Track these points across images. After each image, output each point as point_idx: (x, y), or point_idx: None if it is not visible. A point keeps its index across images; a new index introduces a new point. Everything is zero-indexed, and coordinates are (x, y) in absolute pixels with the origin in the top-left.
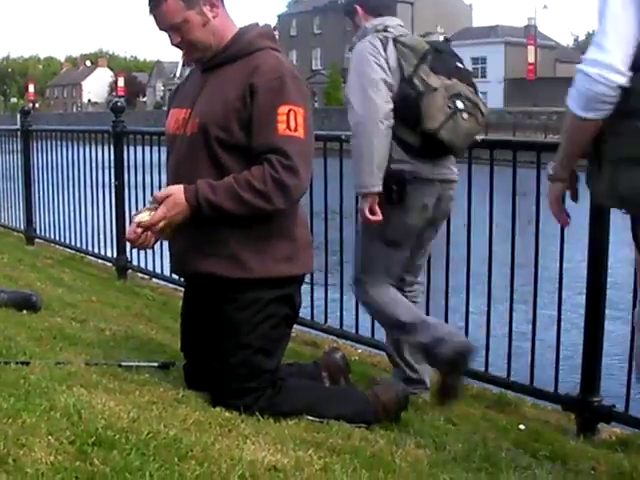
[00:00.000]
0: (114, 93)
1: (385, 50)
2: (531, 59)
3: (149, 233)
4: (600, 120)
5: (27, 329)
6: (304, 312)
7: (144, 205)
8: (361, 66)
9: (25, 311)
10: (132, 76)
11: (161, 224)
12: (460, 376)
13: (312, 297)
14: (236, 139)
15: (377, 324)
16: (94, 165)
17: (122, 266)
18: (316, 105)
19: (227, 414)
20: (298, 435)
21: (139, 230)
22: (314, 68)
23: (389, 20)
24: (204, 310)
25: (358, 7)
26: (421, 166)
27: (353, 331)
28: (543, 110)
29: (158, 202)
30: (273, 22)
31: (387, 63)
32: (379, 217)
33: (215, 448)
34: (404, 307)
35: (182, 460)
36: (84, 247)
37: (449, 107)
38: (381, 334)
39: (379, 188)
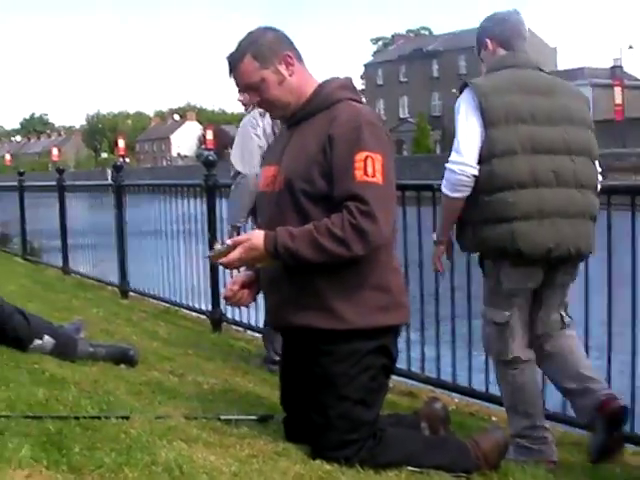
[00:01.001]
0: (203, 146)
1: None
2: (618, 100)
3: (245, 291)
4: (463, 198)
5: (125, 383)
6: (401, 362)
7: None
8: None
9: (123, 365)
10: (220, 129)
11: (235, 264)
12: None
13: (408, 347)
14: (320, 190)
15: (475, 372)
16: (186, 218)
17: (217, 319)
18: (405, 153)
19: (327, 467)
20: None
21: (235, 288)
22: (401, 116)
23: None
24: (301, 363)
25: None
26: None
27: (450, 380)
28: (632, 152)
29: (234, 245)
30: (360, 72)
31: None
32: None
33: None
34: None
35: None
36: (178, 300)
37: None
38: (478, 382)
39: None
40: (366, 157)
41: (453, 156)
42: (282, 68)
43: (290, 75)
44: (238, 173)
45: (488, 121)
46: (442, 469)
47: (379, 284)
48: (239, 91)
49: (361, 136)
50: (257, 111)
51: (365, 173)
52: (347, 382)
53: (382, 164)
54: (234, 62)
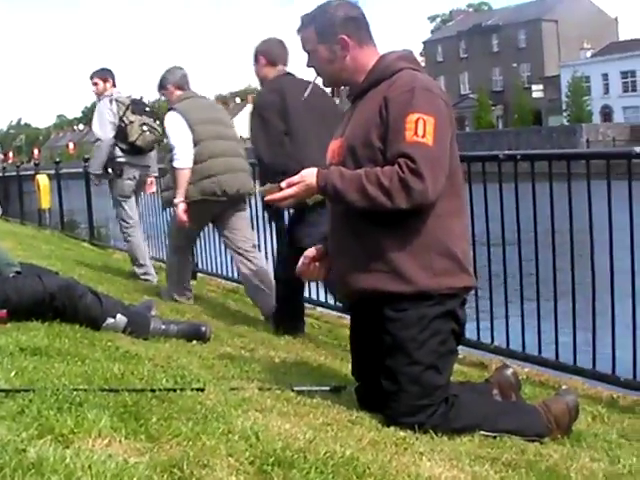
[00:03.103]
0: None
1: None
2: None
3: (317, 265)
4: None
5: (198, 358)
6: (470, 332)
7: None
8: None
9: (195, 342)
10: None
11: (290, 200)
12: None
13: (477, 317)
14: (379, 151)
15: (544, 342)
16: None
17: None
18: (467, 129)
19: (401, 433)
20: (472, 451)
21: (307, 262)
22: (462, 93)
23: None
24: (371, 331)
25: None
26: (130, 158)
27: (520, 350)
28: None
29: (288, 185)
30: (419, 49)
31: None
32: None
33: (392, 466)
34: None
35: (360, 478)
36: None
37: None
38: (549, 352)
39: None
40: (417, 119)
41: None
42: (337, 48)
43: (344, 57)
44: (98, 139)
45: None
46: (515, 433)
47: (446, 249)
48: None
49: (414, 98)
50: (108, 98)
51: (415, 134)
52: (417, 347)
53: (434, 126)
54: (301, 26)
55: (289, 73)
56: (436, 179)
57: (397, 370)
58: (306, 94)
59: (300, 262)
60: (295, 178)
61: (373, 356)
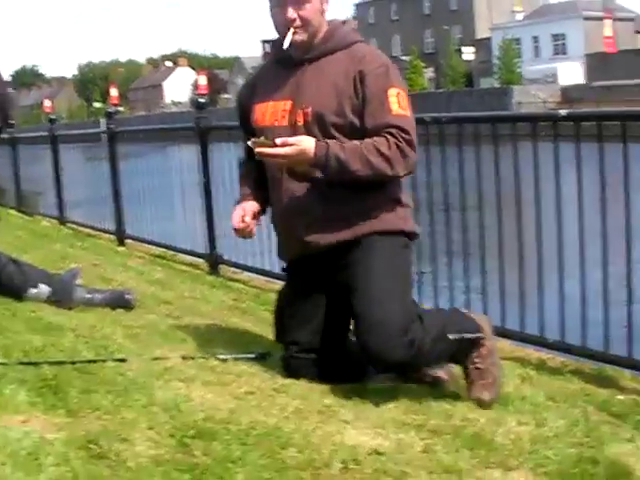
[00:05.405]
0: (197, 91)
1: None
2: (608, 32)
3: (253, 222)
4: None
5: (123, 327)
6: None
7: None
8: None
9: (120, 309)
10: (214, 74)
11: (279, 160)
12: None
13: None
14: (350, 122)
15: (472, 304)
16: (181, 164)
17: (214, 261)
18: None
19: (327, 401)
20: (398, 418)
21: (249, 219)
22: (394, 54)
23: None
24: (322, 289)
25: None
26: None
27: None
28: (625, 83)
29: (282, 144)
30: (350, 11)
31: None
32: None
33: (316, 435)
34: None
35: (283, 448)
36: (174, 244)
37: None
38: None
39: None
40: (398, 93)
41: None
42: (324, 1)
43: (323, 13)
44: None
45: None
46: (468, 332)
47: (402, 200)
48: (281, 3)
49: (391, 74)
50: None
51: (400, 107)
52: (394, 271)
53: (407, 99)
54: None
55: None
56: (416, 148)
57: (380, 294)
58: (286, 44)
59: (239, 217)
60: (291, 139)
61: (318, 317)
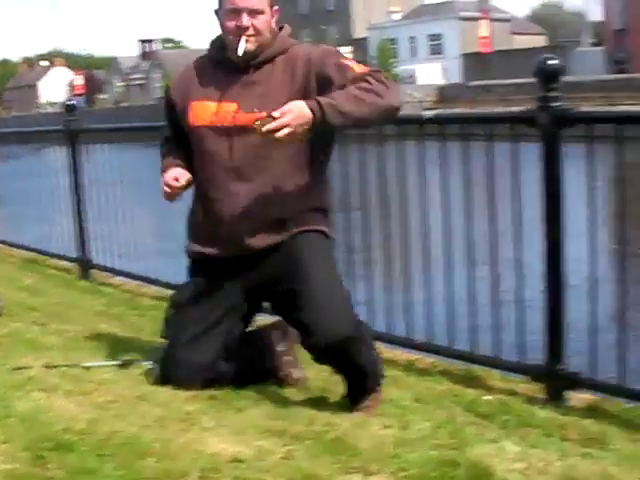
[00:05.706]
0: (74, 92)
1: None
2: (483, 33)
3: (183, 186)
4: None
5: None
6: None
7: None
8: None
9: None
10: (90, 74)
11: (285, 131)
12: None
13: None
14: None
15: None
16: (53, 166)
17: (85, 265)
18: None
19: (189, 408)
20: (260, 424)
21: (184, 182)
22: None
23: None
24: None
25: None
26: None
27: None
28: (501, 83)
29: (280, 114)
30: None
31: None
32: None
33: (176, 443)
34: None
35: (142, 457)
36: (45, 249)
37: None
38: None
39: None
40: (350, 59)
41: None
42: (275, 13)
43: (273, 24)
44: None
45: None
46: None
47: (327, 206)
48: (236, 11)
49: (334, 51)
50: None
51: (359, 66)
52: (331, 265)
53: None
54: None
55: None
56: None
57: (324, 277)
58: (240, 52)
59: (172, 179)
60: (284, 108)
61: (211, 319)
